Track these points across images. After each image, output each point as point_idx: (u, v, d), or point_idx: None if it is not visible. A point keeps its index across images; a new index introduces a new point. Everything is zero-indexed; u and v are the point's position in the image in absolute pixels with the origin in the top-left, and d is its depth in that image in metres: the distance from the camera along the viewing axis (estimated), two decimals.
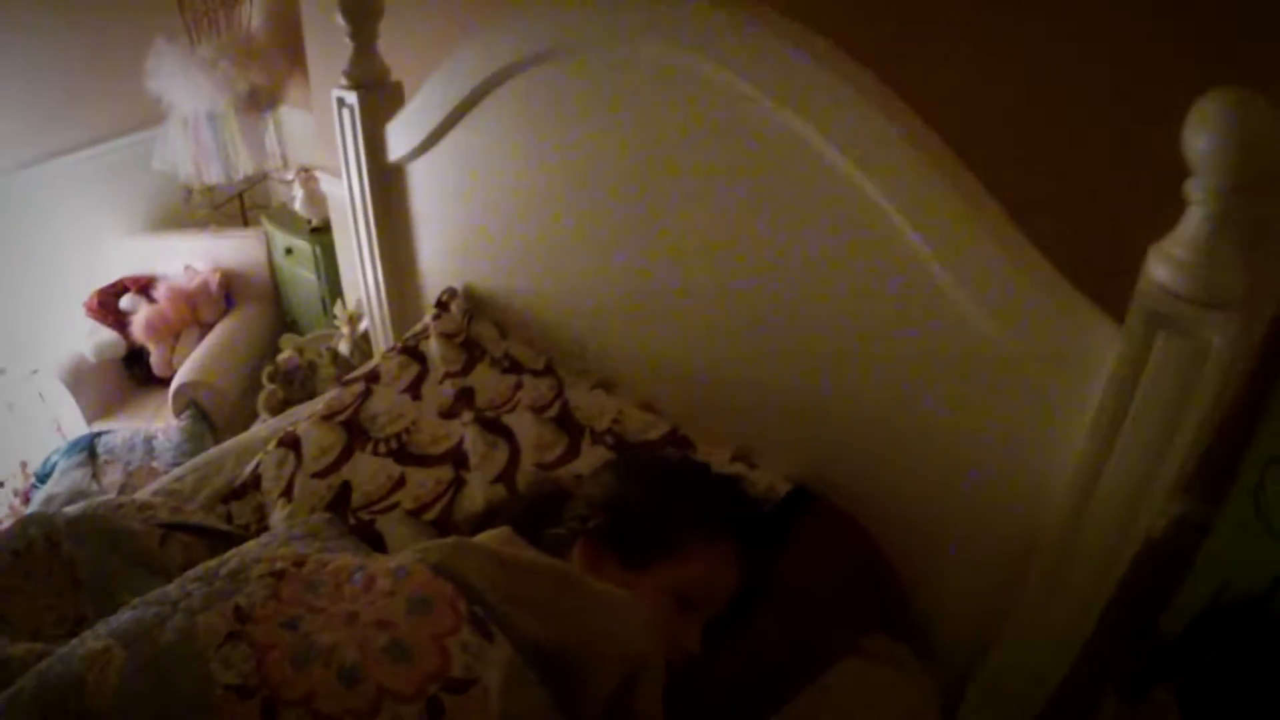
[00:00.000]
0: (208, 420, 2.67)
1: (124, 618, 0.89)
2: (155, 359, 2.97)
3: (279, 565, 0.94)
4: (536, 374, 1.65)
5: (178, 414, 2.72)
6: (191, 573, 0.96)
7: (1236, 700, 1.27)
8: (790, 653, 1.22)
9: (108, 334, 2.97)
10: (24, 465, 2.84)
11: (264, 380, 2.45)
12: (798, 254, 1.29)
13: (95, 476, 2.57)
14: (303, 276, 2.92)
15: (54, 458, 2.72)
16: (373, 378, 1.67)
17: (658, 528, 1.18)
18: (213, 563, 0.97)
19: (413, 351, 1.71)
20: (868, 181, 1.16)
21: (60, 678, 0.81)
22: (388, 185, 1.91)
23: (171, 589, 0.93)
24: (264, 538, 1.13)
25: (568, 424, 1.53)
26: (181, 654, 0.82)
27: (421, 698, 0.82)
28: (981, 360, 1.13)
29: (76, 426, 2.91)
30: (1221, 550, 1.25)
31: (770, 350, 1.39)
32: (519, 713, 0.85)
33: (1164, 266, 0.90)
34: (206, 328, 2.99)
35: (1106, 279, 1.00)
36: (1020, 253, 1.06)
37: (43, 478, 2.65)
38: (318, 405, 1.67)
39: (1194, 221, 0.88)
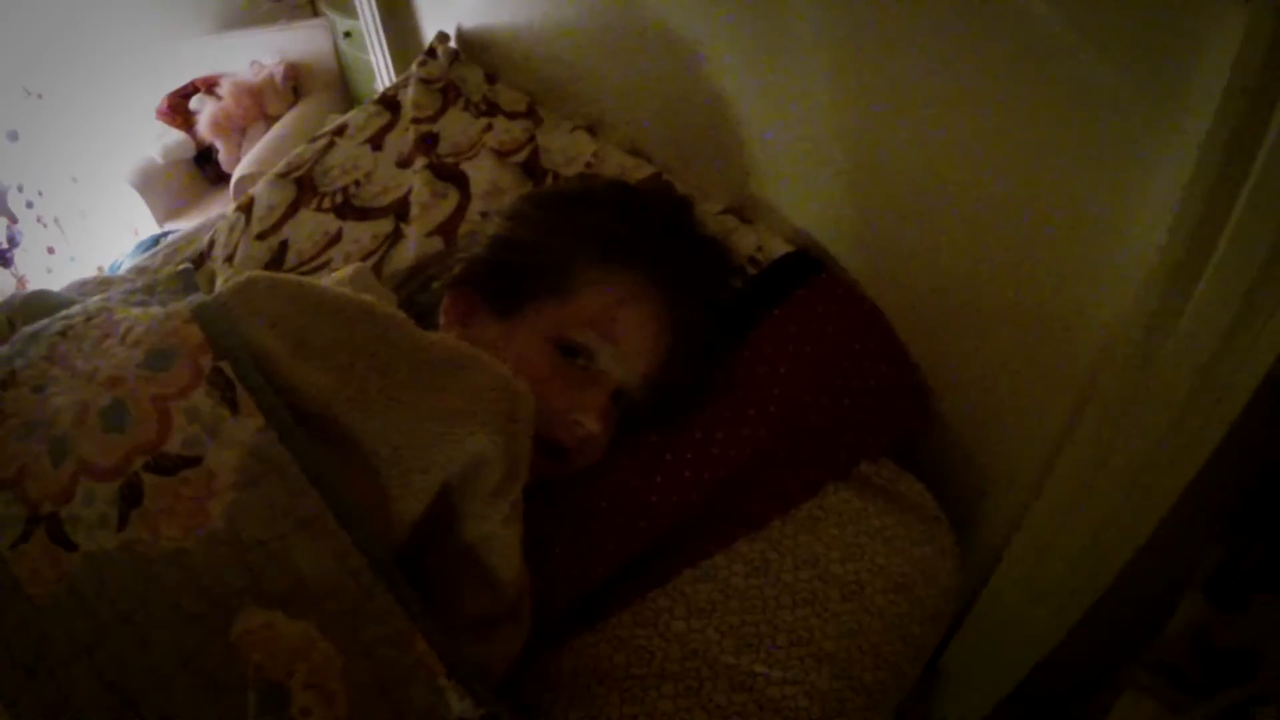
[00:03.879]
0: None
1: None
2: (223, 156, 2.86)
3: (72, 321, 0.75)
4: (512, 116, 1.36)
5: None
6: (25, 329, 0.76)
7: None
8: (756, 461, 0.91)
9: (176, 135, 2.87)
10: (100, 270, 2.80)
11: None
12: None
13: None
14: (363, 60, 2.69)
15: (122, 259, 2.66)
16: (339, 130, 1.42)
17: (535, 256, 0.89)
18: (44, 321, 0.77)
19: (388, 101, 1.45)
20: None
21: None
22: None
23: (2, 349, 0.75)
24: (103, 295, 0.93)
25: (532, 168, 1.24)
26: None
27: (119, 476, 0.62)
28: (1060, 86, 0.76)
29: (151, 230, 2.85)
30: None
31: (799, 88, 1.02)
32: (258, 512, 0.62)
33: None
34: (274, 121, 2.83)
35: None
36: None
37: None
38: (279, 164, 1.44)
39: None
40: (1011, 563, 0.98)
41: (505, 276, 0.90)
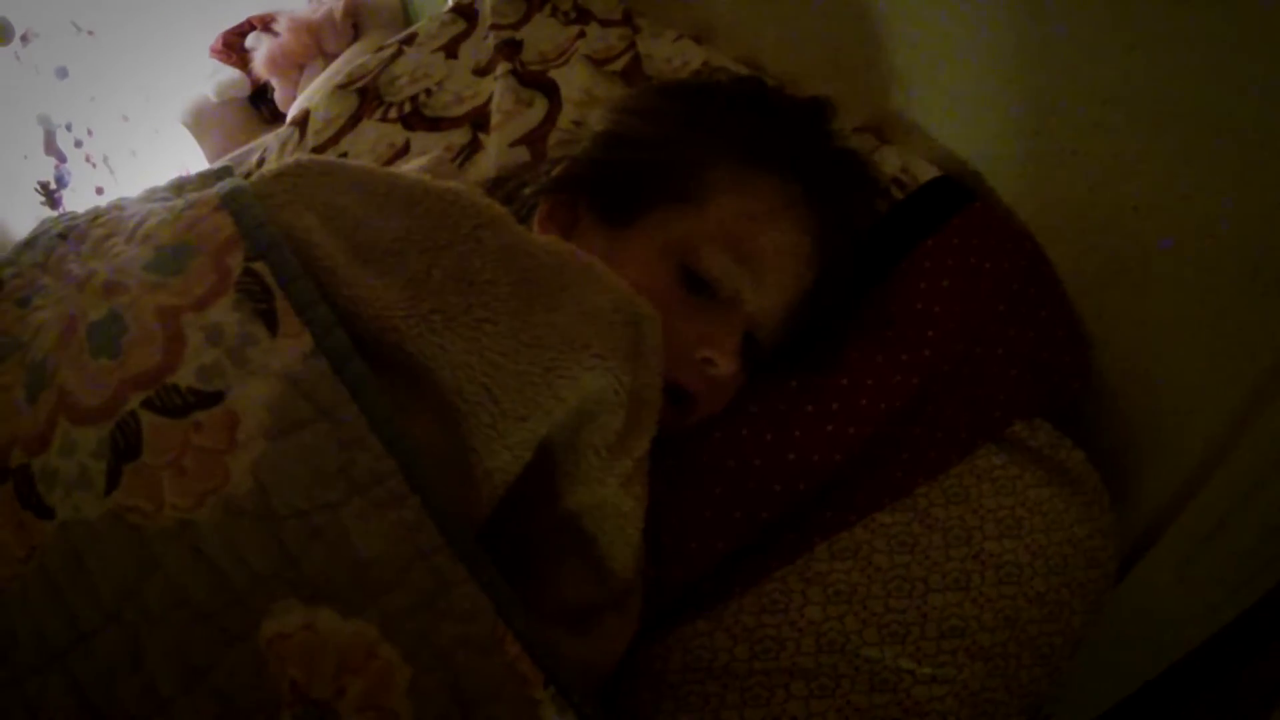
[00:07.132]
0: None
1: None
2: (279, 95, 2.74)
3: (76, 221, 0.60)
4: (607, 23, 1.19)
5: None
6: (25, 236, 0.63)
7: None
8: (904, 415, 0.75)
9: (230, 73, 2.76)
10: None
11: None
12: None
13: None
14: None
15: None
16: (408, 39, 1.27)
17: (656, 153, 0.72)
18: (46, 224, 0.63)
19: (464, 9, 1.29)
20: None
21: None
22: None
23: None
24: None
25: (632, 76, 1.08)
26: None
27: (109, 417, 0.46)
28: None
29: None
30: None
31: None
32: (298, 471, 0.46)
33: None
34: (333, 60, 2.70)
35: None
36: None
37: None
38: (338, 75, 1.30)
39: None
40: (1170, 547, 0.84)
41: (618, 179, 0.74)
